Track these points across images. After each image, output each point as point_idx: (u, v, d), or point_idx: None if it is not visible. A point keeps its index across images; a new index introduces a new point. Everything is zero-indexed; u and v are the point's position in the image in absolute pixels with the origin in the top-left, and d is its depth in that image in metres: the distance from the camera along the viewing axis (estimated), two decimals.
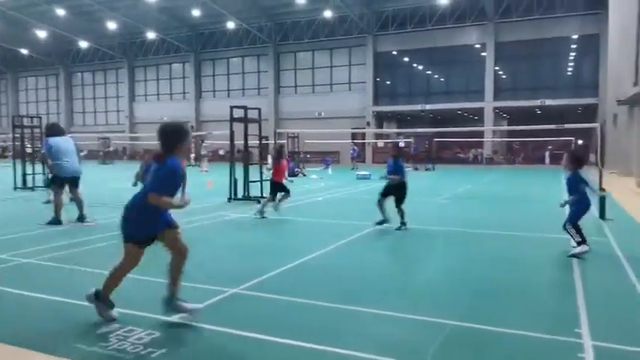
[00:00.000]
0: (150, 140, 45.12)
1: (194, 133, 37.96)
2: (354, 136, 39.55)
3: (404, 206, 8.84)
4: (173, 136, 4.02)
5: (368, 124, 40.04)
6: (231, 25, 42.67)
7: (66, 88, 55.47)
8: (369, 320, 4.29)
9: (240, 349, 3.73)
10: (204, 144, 30.84)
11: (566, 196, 6.93)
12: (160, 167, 3.95)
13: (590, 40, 35.15)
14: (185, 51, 47.65)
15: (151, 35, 45.85)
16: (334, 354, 3.59)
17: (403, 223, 8.74)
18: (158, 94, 51.00)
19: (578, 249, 6.52)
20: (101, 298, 4.14)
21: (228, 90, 47.19)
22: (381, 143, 41.94)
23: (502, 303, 4.80)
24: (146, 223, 4.09)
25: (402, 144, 39.83)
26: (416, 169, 30.13)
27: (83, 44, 48.90)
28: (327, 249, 7.08)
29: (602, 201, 10.01)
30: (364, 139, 40.22)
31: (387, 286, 5.34)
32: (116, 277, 4.19)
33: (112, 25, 42.86)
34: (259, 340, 3.83)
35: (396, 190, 8.91)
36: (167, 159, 3.95)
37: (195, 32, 47.05)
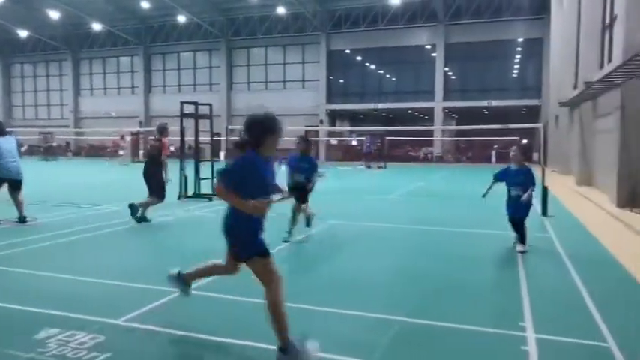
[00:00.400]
0: (96, 135, 43.70)
1: (143, 129, 37.02)
2: (307, 133, 39.50)
3: (309, 208, 7.97)
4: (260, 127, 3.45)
5: (321, 122, 40.16)
6: (182, 18, 41.74)
7: (4, 80, 52.65)
8: (319, 318, 4.29)
9: (191, 350, 3.64)
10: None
11: (517, 191, 6.75)
12: (236, 160, 3.40)
13: (534, 43, 36.60)
14: (134, 44, 46.20)
15: (96, 27, 44.14)
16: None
17: (308, 225, 8.09)
18: (105, 88, 49.23)
19: (525, 246, 6.74)
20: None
21: (179, 85, 46.15)
22: (334, 141, 42.19)
23: (450, 299, 4.90)
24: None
25: (354, 142, 40.41)
26: (369, 167, 30.48)
27: (22, 34, 46.46)
28: (281, 247, 7.03)
29: (544, 198, 10.44)
30: (317, 137, 40.30)
31: (337, 284, 5.35)
32: (279, 310, 3.37)
33: (54, 15, 40.93)
34: (210, 341, 3.75)
35: (299, 192, 7.61)
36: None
37: (144, 25, 45.69)
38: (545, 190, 10.55)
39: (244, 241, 3.48)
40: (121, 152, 30.93)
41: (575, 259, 6.44)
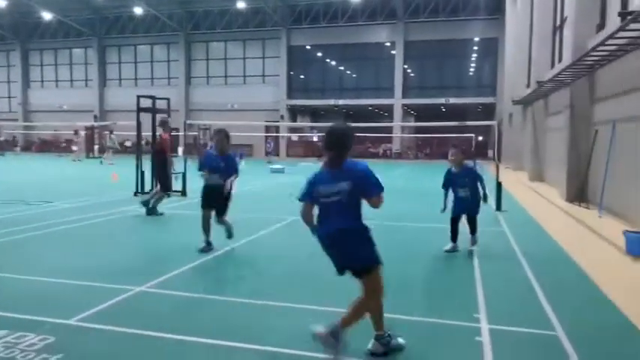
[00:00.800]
0: (47, 130, 42.05)
1: (97, 124, 35.90)
2: (267, 129, 39.36)
3: (229, 218, 6.68)
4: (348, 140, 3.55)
5: (282, 117, 40.02)
6: (138, 10, 40.60)
7: None
8: (275, 314, 4.28)
9: (145, 349, 3.56)
10: (112, 135, 29.29)
11: (465, 192, 6.67)
12: (365, 169, 3.53)
13: (490, 43, 37.55)
14: (87, 35, 44.65)
15: (47, 16, 42.40)
16: (242, 349, 3.54)
17: (229, 235, 6.67)
18: (57, 81, 47.36)
19: (476, 242, 6.75)
20: (339, 337, 3.39)
21: (136, 79, 44.93)
22: (295, 137, 42.12)
23: (406, 292, 4.98)
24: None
25: (315, 138, 40.44)
26: None
27: None
28: (237, 244, 6.96)
29: (499, 194, 10.75)
30: (278, 133, 40.16)
31: (293, 280, 5.36)
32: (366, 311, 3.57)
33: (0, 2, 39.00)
34: (165, 339, 3.68)
35: (215, 198, 6.38)
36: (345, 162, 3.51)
37: (98, 16, 44.22)
38: (499, 186, 10.86)
39: (372, 250, 3.53)
40: (74, 147, 29.81)
41: (527, 253, 6.67)
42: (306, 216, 3.65)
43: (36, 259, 6.11)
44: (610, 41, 8.64)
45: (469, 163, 6.92)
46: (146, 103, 12.48)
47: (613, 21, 10.13)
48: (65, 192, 12.71)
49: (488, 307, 4.45)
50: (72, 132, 31.07)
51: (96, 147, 30.95)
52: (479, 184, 6.70)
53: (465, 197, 6.63)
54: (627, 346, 3.75)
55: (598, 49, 9.38)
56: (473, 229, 6.73)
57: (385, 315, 4.31)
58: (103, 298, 4.49)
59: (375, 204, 3.45)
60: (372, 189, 3.44)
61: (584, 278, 5.54)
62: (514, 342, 3.80)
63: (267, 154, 32.73)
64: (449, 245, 6.71)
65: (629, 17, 7.18)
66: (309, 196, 3.58)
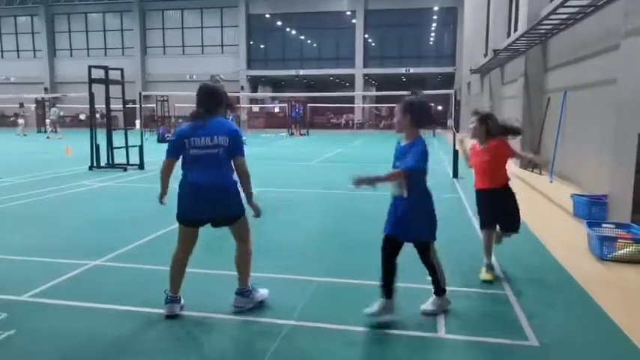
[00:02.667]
0: None
1: (47, 96, 34.41)
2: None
3: None
4: None
5: (242, 88, 39.37)
6: None
7: None
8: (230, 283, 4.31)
9: (98, 322, 3.53)
10: (53, 108, 28.22)
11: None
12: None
13: (449, 12, 37.74)
14: (33, 3, 42.35)
15: None
16: (207, 319, 3.57)
17: None
18: (2, 51, 44.97)
19: None
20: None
21: (88, 49, 43.13)
22: (256, 108, 41.61)
23: (364, 258, 5.08)
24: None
25: (277, 109, 40.08)
26: (291, 133, 30.47)
27: None
28: None
29: (455, 161, 11.00)
30: (239, 104, 39.54)
31: (257, 249, 5.38)
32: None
33: None
34: (121, 311, 3.67)
35: None
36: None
37: None
38: (455, 154, 11.11)
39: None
40: (20, 121, 28.45)
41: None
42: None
43: None
44: (561, 10, 8.84)
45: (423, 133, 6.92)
46: (99, 73, 12.06)
47: None
48: (16, 167, 12.24)
49: (445, 271, 4.60)
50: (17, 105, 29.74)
51: (47, 120, 29.71)
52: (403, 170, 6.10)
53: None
54: (570, 301, 3.97)
55: (550, 17, 9.58)
56: None
57: (337, 280, 4.42)
58: (57, 273, 4.41)
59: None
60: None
61: (533, 239, 5.79)
62: (466, 300, 3.96)
63: None
64: None
65: None
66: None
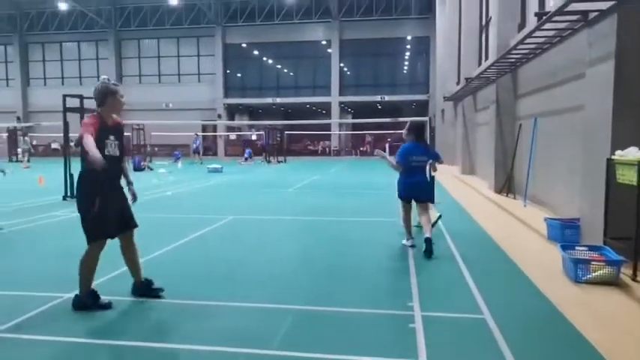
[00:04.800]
0: None
1: (20, 125, 33.86)
2: (204, 128, 38.68)
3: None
4: None
5: (219, 116, 39.41)
6: (63, 6, 38.65)
7: None
8: (216, 313, 4.25)
9: (72, 356, 3.43)
10: (25, 137, 27.88)
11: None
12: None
13: (421, 41, 38.71)
14: (6, 32, 41.99)
15: None
16: (181, 351, 3.50)
17: None
18: None
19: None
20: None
21: (63, 78, 42.75)
22: (233, 136, 41.61)
23: (342, 285, 5.09)
24: None
25: (254, 137, 40.17)
26: (268, 161, 30.49)
27: None
28: (176, 244, 6.84)
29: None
30: (215, 132, 39.56)
31: (235, 278, 5.33)
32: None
33: None
34: (98, 345, 3.57)
35: None
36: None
37: (19, 11, 41.71)
38: (432, 179, 11.25)
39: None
40: None
41: (457, 240, 6.99)
42: None
43: None
44: (529, 40, 9.17)
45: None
46: (74, 102, 11.96)
47: (532, 21, 10.75)
48: None
49: (421, 295, 4.63)
50: None
51: (19, 150, 29.19)
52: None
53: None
54: (547, 324, 4.02)
55: (519, 47, 9.93)
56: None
57: (317, 308, 4.40)
58: (31, 306, 4.29)
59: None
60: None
61: (510, 263, 5.87)
62: (445, 326, 3.97)
63: (194, 152, 29.72)
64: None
65: (544, 17, 7.65)
66: None
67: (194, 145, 29.55)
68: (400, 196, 6.72)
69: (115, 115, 4.40)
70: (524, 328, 3.91)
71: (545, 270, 5.53)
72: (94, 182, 4.18)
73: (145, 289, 4.58)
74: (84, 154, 3.98)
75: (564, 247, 5.55)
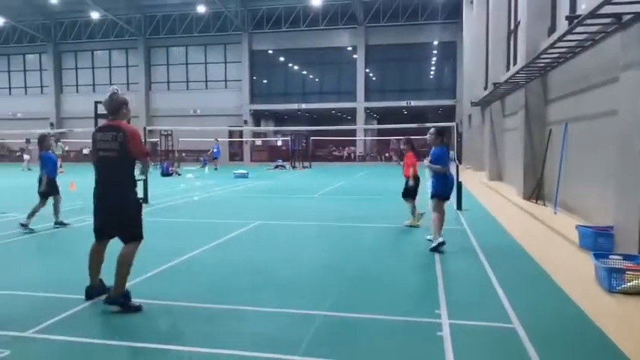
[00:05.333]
0: (2, 138, 40.50)
1: (54, 131, 34.79)
2: (231, 134, 39.08)
3: None
4: None
5: (245, 122, 39.77)
6: (95, 15, 39.65)
7: None
8: (244, 318, 4.27)
9: (104, 359, 3.49)
10: (59, 143, 28.57)
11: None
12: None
13: (448, 46, 38.38)
14: (41, 41, 43.31)
15: None
16: (210, 355, 3.52)
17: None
18: (10, 88, 45.68)
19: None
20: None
21: (94, 85, 43.80)
22: (258, 142, 41.92)
23: (370, 291, 5.05)
24: None
25: (279, 142, 40.41)
26: (294, 167, 30.61)
27: None
28: (203, 248, 6.91)
29: (459, 193, 11.00)
30: (242, 138, 39.90)
31: (261, 283, 5.35)
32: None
33: None
34: (129, 348, 3.62)
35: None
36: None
37: (53, 21, 42.97)
38: (459, 186, 11.12)
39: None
40: (25, 156, 28.75)
41: (485, 249, 6.87)
42: None
43: None
44: (559, 44, 8.99)
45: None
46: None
47: (562, 24, 10.53)
48: (20, 202, 12.27)
49: (449, 303, 4.56)
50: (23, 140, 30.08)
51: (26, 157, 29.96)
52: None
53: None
54: (579, 335, 3.91)
55: (549, 51, 9.74)
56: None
57: (343, 314, 4.37)
58: (61, 308, 4.38)
59: None
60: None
61: (540, 272, 5.74)
62: (473, 335, 3.90)
63: (213, 158, 29.64)
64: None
65: (575, 21, 7.49)
66: None
67: (214, 151, 29.80)
68: (439, 196, 7.14)
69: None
70: (555, 339, 3.81)
71: (577, 279, 5.39)
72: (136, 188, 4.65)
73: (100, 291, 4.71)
74: (144, 162, 4.62)
75: (597, 256, 5.40)
